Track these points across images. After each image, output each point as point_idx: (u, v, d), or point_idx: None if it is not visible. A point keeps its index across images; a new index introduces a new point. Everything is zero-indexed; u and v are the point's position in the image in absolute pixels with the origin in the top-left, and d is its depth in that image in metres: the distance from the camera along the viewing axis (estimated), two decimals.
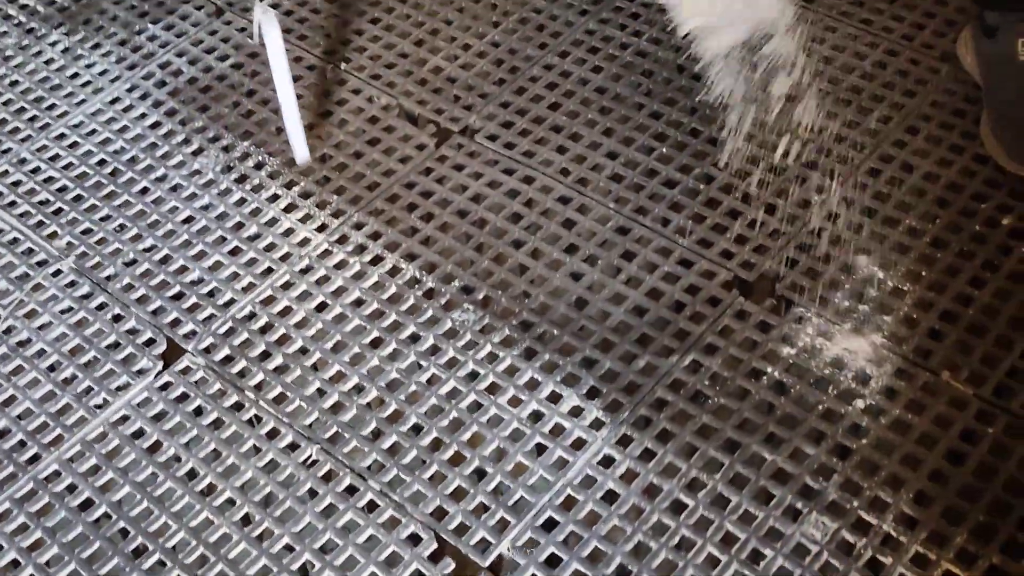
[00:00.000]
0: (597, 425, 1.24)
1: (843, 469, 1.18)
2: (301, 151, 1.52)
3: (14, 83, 1.71)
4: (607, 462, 1.21)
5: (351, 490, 1.22)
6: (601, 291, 1.36)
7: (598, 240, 1.41)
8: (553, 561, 1.15)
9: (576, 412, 1.25)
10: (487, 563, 1.16)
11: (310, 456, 1.25)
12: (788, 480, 1.18)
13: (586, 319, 1.34)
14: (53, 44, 1.76)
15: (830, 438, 1.20)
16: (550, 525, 1.18)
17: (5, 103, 1.68)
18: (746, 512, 1.16)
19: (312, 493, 1.23)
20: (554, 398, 1.27)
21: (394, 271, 1.41)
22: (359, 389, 1.30)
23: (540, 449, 1.23)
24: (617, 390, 1.27)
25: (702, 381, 1.26)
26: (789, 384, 1.25)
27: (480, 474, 1.22)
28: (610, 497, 1.19)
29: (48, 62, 1.73)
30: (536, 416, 1.26)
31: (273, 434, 1.28)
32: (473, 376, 1.30)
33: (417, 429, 1.26)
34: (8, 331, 1.40)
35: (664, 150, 1.50)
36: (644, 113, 1.55)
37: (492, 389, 1.28)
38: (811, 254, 1.36)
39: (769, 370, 1.26)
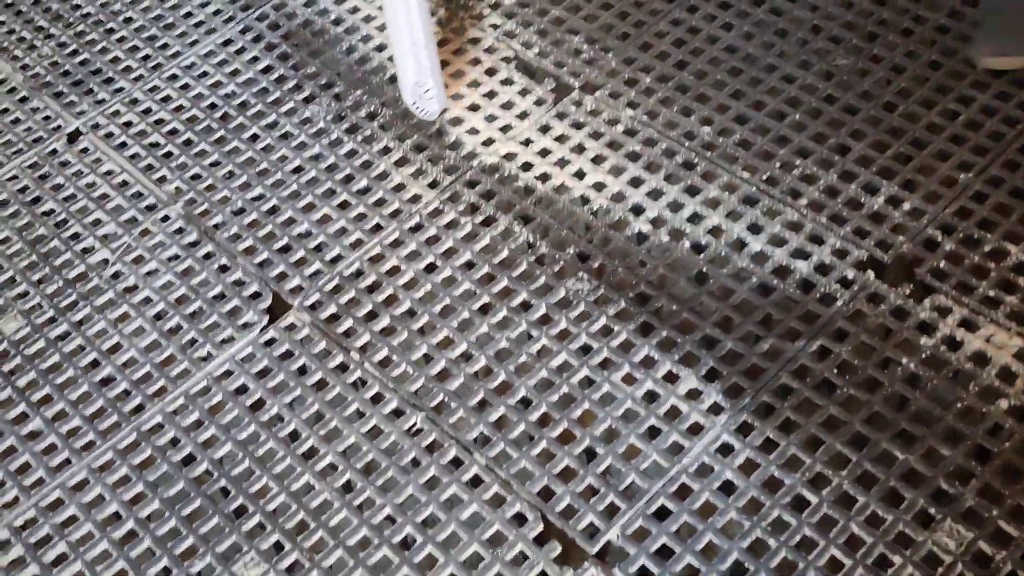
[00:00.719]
0: (716, 410, 1.18)
1: (982, 474, 1.10)
2: (440, 97, 1.46)
3: (128, 20, 1.68)
4: (725, 450, 1.15)
5: (456, 463, 1.18)
6: (724, 265, 1.29)
7: (723, 210, 1.33)
8: (665, 553, 1.10)
9: (694, 395, 1.19)
10: (595, 550, 1.11)
11: (415, 424, 1.21)
12: (921, 483, 1.10)
13: (707, 295, 1.27)
14: None
15: (969, 439, 1.12)
16: (663, 514, 1.12)
17: (119, 40, 1.66)
18: (873, 514, 1.09)
19: (415, 463, 1.19)
20: (671, 378, 1.21)
21: (506, 234, 1.35)
22: (467, 357, 1.26)
23: (654, 432, 1.17)
24: (738, 373, 1.20)
25: (830, 369, 1.19)
26: (925, 377, 1.17)
27: (590, 455, 1.17)
28: (727, 488, 1.13)
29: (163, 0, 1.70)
30: (651, 396, 1.20)
31: (377, 399, 1.24)
32: (586, 350, 1.24)
33: (526, 403, 1.21)
34: (116, 276, 1.38)
35: (797, 116, 1.41)
36: (776, 76, 1.45)
37: (605, 365, 1.23)
38: (955, 236, 1.27)
39: (904, 361, 1.18)
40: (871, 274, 1.25)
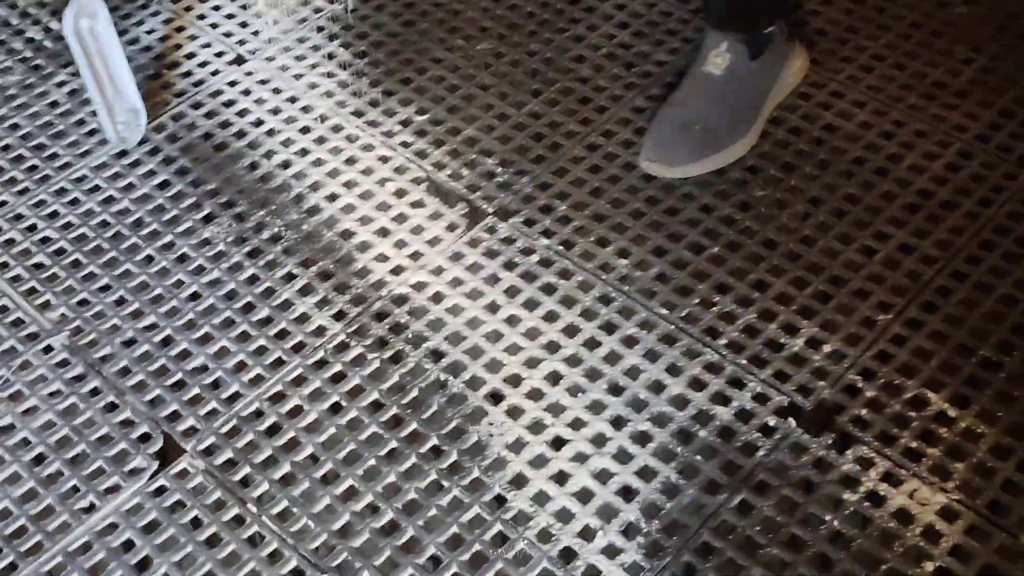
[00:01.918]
0: (635, 570, 1.12)
1: None
2: (109, 132, 1.51)
3: (14, 127, 1.59)
4: None
5: None
6: (642, 409, 1.24)
7: (640, 349, 1.29)
8: None
9: (612, 552, 1.13)
10: None
11: None
12: None
13: (625, 440, 1.21)
14: (60, 85, 1.64)
15: None
16: None
17: (3, 148, 1.56)
18: None
19: None
20: (586, 534, 1.15)
21: (416, 371, 1.29)
22: (373, 510, 1.18)
23: None
24: (659, 529, 1.14)
25: (753, 526, 1.14)
26: (849, 536, 1.13)
27: None
28: None
29: (53, 105, 1.61)
30: (567, 555, 1.14)
31: (275, 557, 1.15)
32: (500, 501, 1.18)
33: (435, 562, 1.14)
34: None
35: (716, 250, 1.38)
36: (694, 206, 1.43)
37: (517, 520, 1.16)
38: (875, 382, 1.24)
39: (827, 518, 1.14)
40: (792, 422, 1.22)
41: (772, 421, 1.22)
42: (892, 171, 1.44)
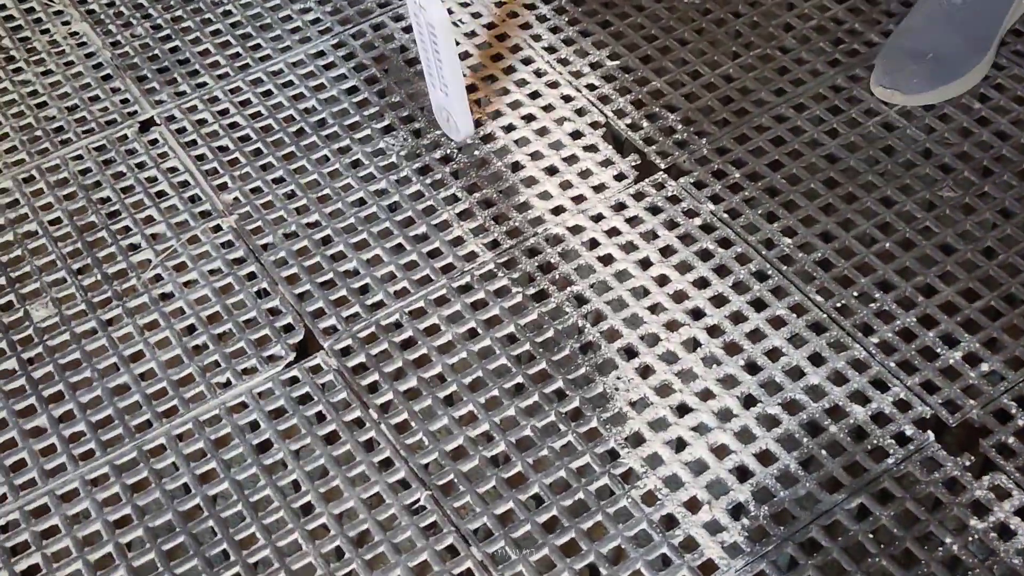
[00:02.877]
0: (734, 552, 1.09)
1: None
2: (465, 124, 1.43)
3: (227, 13, 1.65)
4: None
5: (451, 551, 1.12)
6: (775, 393, 1.20)
7: (787, 332, 1.25)
8: None
9: (714, 528, 1.11)
10: None
11: (418, 501, 1.15)
12: None
13: (751, 420, 1.18)
14: None
15: None
16: None
17: (214, 32, 1.63)
18: None
19: (410, 544, 1.13)
20: (693, 505, 1.13)
21: (556, 313, 1.29)
22: (488, 438, 1.19)
23: (665, 561, 1.10)
24: (767, 516, 1.11)
25: (866, 532, 1.10)
26: (968, 564, 1.07)
27: (592, 571, 1.10)
28: None
29: None
30: (669, 521, 1.12)
31: (386, 465, 1.18)
32: (613, 456, 1.17)
33: (538, 501, 1.15)
34: (155, 280, 1.35)
35: (887, 245, 1.31)
36: (874, 197, 1.36)
37: (627, 477, 1.15)
38: None
39: (948, 541, 1.09)
40: (931, 435, 1.16)
41: (910, 431, 1.16)
42: None
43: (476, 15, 1.61)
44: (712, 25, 1.58)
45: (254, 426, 1.22)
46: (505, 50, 1.56)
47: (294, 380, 1.25)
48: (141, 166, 1.47)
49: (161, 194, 1.43)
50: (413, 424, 1.21)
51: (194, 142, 1.49)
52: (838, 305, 1.27)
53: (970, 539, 1.09)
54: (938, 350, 1.22)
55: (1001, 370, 1.20)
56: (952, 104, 1.44)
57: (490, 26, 1.60)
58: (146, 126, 1.51)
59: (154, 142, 1.49)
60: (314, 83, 1.55)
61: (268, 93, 1.54)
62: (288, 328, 1.30)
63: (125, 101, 1.55)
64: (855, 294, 1.27)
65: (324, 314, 1.30)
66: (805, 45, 1.54)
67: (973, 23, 1.41)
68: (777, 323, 1.26)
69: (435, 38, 1.34)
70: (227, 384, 1.25)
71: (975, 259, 1.29)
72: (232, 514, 1.15)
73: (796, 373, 1.22)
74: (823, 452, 1.15)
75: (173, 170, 1.46)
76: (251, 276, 1.35)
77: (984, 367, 1.20)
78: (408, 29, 1.60)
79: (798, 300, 1.27)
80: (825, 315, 1.26)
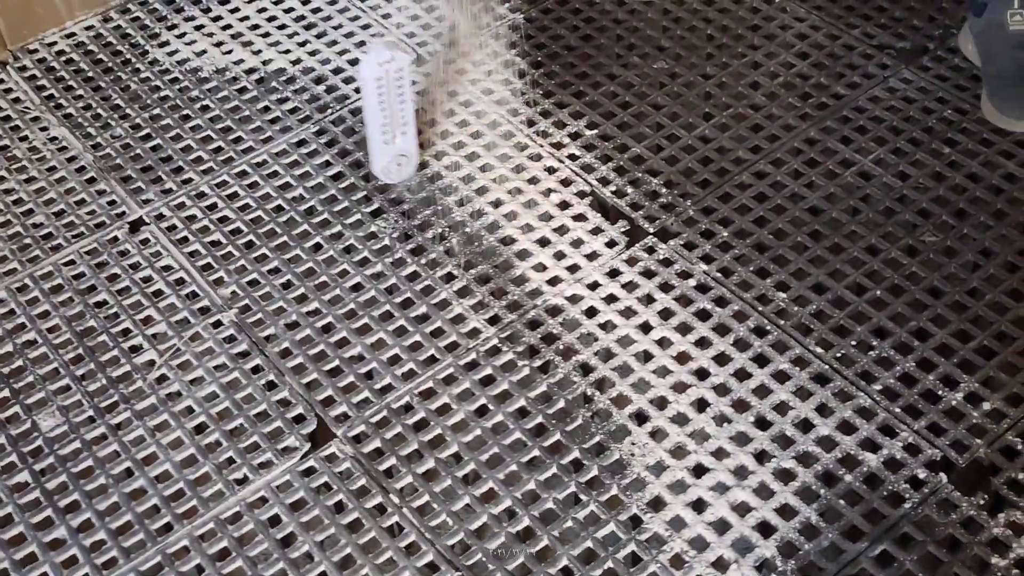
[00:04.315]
0: None
1: None
2: (416, 157, 1.52)
3: (204, 108, 1.67)
4: None
5: None
6: (788, 447, 1.23)
7: (791, 386, 1.28)
8: None
9: None
10: None
11: None
12: None
13: (767, 475, 1.21)
14: (249, 72, 1.71)
15: None
16: None
17: (193, 128, 1.64)
18: None
19: None
20: (721, 565, 1.15)
21: (564, 383, 1.31)
22: (511, 515, 1.20)
23: None
24: (794, 571, 1.13)
25: None
26: None
27: None
28: None
29: (241, 91, 1.69)
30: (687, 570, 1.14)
31: (413, 549, 1.19)
32: (636, 522, 1.19)
33: (567, 574, 1.16)
34: (160, 380, 1.35)
35: (878, 293, 1.35)
36: (859, 246, 1.40)
37: (651, 542, 1.17)
38: None
39: None
40: (943, 477, 1.19)
41: (922, 474, 1.19)
42: None
43: (452, 93, 1.64)
44: (683, 88, 1.62)
45: (275, 520, 1.22)
46: (484, 127, 1.59)
47: (311, 471, 1.26)
48: (135, 267, 1.47)
49: (158, 293, 1.44)
50: (435, 505, 1.21)
51: (186, 239, 1.50)
52: (838, 355, 1.30)
53: None
54: (939, 392, 1.26)
55: (1002, 407, 1.23)
56: (923, 150, 1.50)
57: (466, 104, 1.63)
58: (136, 226, 1.52)
59: (145, 241, 1.50)
60: (299, 171, 1.57)
61: (254, 185, 1.56)
62: (300, 418, 1.30)
63: (112, 203, 1.55)
64: (853, 343, 1.31)
65: (334, 402, 1.31)
66: (775, 102, 1.59)
67: None
68: (781, 377, 1.29)
69: (401, 83, 1.42)
70: (244, 480, 1.25)
71: (963, 300, 1.34)
72: None
73: (805, 425, 1.24)
74: (841, 502, 1.18)
75: (167, 268, 1.46)
76: (257, 369, 1.35)
77: (986, 406, 1.24)
78: None
79: (799, 353, 1.31)
80: (827, 366, 1.29)
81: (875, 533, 1.15)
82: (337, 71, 1.70)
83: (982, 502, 1.17)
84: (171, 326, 1.40)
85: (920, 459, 1.20)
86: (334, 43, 1.74)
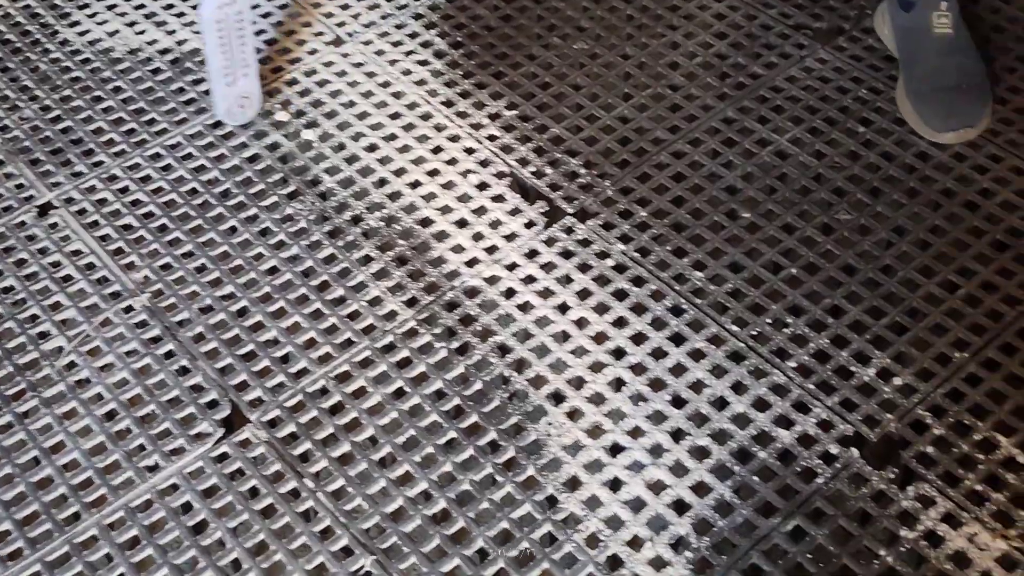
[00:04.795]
0: None
1: None
2: (259, 96, 1.54)
3: (117, 89, 1.63)
4: None
5: None
6: (703, 424, 1.23)
7: (707, 364, 1.28)
8: None
9: (659, 564, 1.13)
10: None
11: (363, 567, 1.15)
12: None
13: (683, 453, 1.21)
14: (163, 52, 1.68)
15: None
16: None
17: (105, 110, 1.60)
18: None
19: None
20: (635, 543, 1.15)
21: (481, 365, 1.30)
22: (427, 497, 1.20)
23: None
24: (709, 547, 1.14)
25: (804, 553, 1.13)
26: (902, 573, 1.11)
27: None
28: None
29: (155, 71, 1.65)
30: (614, 562, 1.14)
31: (327, 534, 1.17)
32: (551, 501, 1.18)
33: (483, 555, 1.15)
34: (69, 367, 1.32)
35: (793, 271, 1.36)
36: (775, 224, 1.41)
37: (569, 522, 1.17)
38: (944, 421, 1.22)
39: (882, 553, 1.13)
40: (855, 452, 1.20)
41: (834, 449, 1.20)
42: (983, 206, 1.41)
43: (371, 74, 1.62)
44: (602, 69, 1.62)
45: (187, 507, 1.20)
46: (403, 107, 1.58)
47: (224, 456, 1.24)
48: (43, 251, 1.43)
49: (67, 279, 1.40)
50: (350, 489, 1.20)
51: (96, 223, 1.46)
52: (753, 333, 1.31)
53: (902, 549, 1.13)
54: (852, 368, 1.27)
55: (913, 383, 1.25)
56: (838, 129, 1.51)
57: (385, 84, 1.61)
58: (44, 210, 1.48)
59: (54, 226, 1.46)
60: (214, 153, 1.54)
61: (168, 167, 1.53)
62: (213, 404, 1.28)
63: (20, 186, 1.51)
64: (768, 321, 1.32)
65: (248, 386, 1.29)
66: (693, 82, 1.59)
67: (967, 48, 1.50)
68: (697, 356, 1.29)
69: (241, 23, 1.45)
70: (155, 467, 1.23)
71: (876, 277, 1.35)
72: None
73: (721, 403, 1.25)
74: (755, 478, 1.19)
75: (77, 253, 1.43)
76: (169, 354, 1.33)
77: (897, 381, 1.25)
78: (304, 93, 1.60)
79: (715, 331, 1.31)
80: (742, 344, 1.30)
81: (788, 508, 1.16)
82: None
83: (892, 476, 1.18)
84: (81, 312, 1.37)
85: (833, 435, 1.22)
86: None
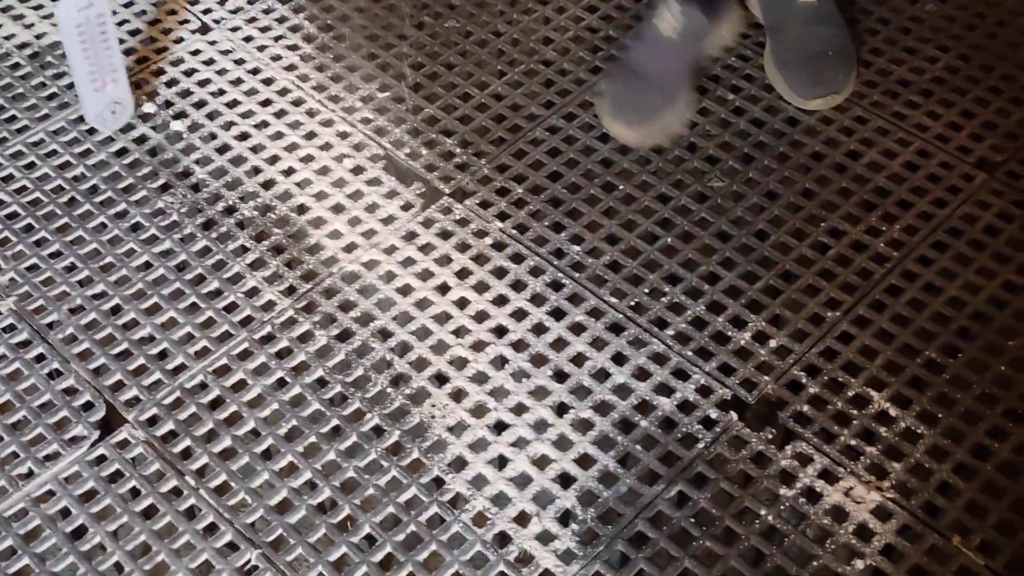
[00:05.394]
0: (568, 558, 1.12)
1: None
2: (130, 103, 1.50)
3: None
4: None
5: None
6: (585, 397, 1.24)
7: (587, 337, 1.29)
8: None
9: (546, 538, 1.14)
10: None
11: (249, 561, 1.13)
12: None
13: (566, 427, 1.22)
14: (22, 47, 1.62)
15: None
16: None
17: None
18: None
19: None
20: (522, 519, 1.15)
21: (363, 350, 1.29)
22: (311, 487, 1.18)
23: None
24: (594, 518, 1.15)
25: (687, 518, 1.15)
26: (783, 531, 1.14)
27: None
28: None
29: (14, 67, 1.60)
30: (502, 539, 1.14)
31: (211, 530, 1.15)
32: (438, 484, 1.18)
33: (371, 541, 1.14)
34: None
35: (669, 240, 1.38)
36: (650, 195, 1.42)
37: (455, 502, 1.17)
38: (819, 379, 1.24)
39: (763, 513, 1.15)
40: (734, 415, 1.22)
41: (714, 414, 1.22)
42: (850, 167, 1.44)
43: (240, 61, 1.59)
44: (475, 47, 1.61)
45: (65, 513, 1.17)
46: (274, 94, 1.55)
47: (101, 459, 1.21)
48: None
49: None
50: (233, 484, 1.18)
51: None
52: (632, 304, 1.32)
53: (782, 507, 1.15)
54: (729, 333, 1.29)
55: (788, 344, 1.27)
56: (708, 98, 1.53)
57: (255, 71, 1.58)
58: None
59: None
60: (79, 149, 1.50)
61: (31, 165, 1.48)
62: (88, 406, 1.25)
63: None
64: (646, 291, 1.33)
65: (124, 386, 1.26)
66: (565, 56, 1.60)
67: (831, 14, 1.52)
68: (577, 329, 1.30)
69: (104, 26, 1.40)
70: (29, 474, 1.19)
71: (750, 243, 1.37)
72: None
73: (602, 375, 1.26)
74: (638, 447, 1.20)
75: None
76: (40, 358, 1.29)
77: (772, 343, 1.28)
78: (171, 84, 1.57)
79: (594, 304, 1.32)
80: (621, 315, 1.31)
81: (670, 475, 1.18)
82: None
83: (770, 436, 1.20)
84: None
85: (712, 399, 1.23)
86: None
